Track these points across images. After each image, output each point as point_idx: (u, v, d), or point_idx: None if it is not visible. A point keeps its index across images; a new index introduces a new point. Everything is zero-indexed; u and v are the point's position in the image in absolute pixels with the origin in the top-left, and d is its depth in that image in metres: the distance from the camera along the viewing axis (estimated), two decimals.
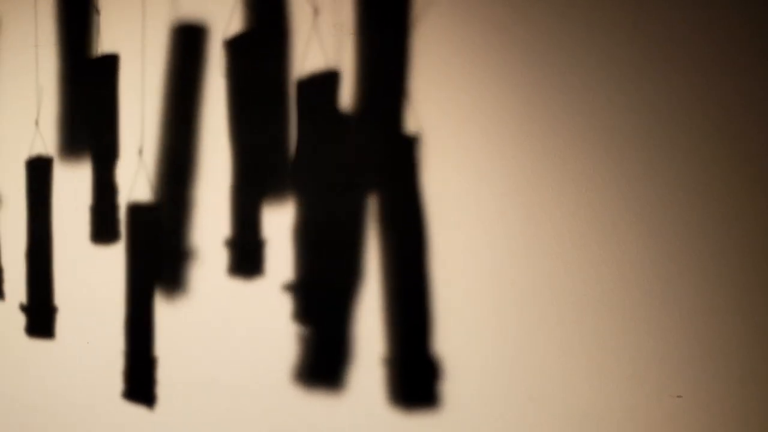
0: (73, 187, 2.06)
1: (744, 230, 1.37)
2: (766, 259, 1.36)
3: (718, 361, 1.39)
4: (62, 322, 2.12)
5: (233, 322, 1.85)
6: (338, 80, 1.68)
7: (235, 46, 1.81)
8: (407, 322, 1.63)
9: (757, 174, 1.36)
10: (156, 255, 1.94)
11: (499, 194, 1.55)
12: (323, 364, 1.72)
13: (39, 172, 2.13)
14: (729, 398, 1.39)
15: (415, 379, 1.62)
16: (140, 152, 1.93)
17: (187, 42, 1.88)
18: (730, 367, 1.39)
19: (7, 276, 2.22)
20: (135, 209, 1.96)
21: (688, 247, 1.41)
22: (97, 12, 2.01)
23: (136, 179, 1.94)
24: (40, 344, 2.16)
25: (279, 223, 1.76)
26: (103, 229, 2.04)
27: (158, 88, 1.91)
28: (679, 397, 1.42)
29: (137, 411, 1.97)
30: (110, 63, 2.00)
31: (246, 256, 1.82)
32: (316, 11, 1.70)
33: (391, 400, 1.64)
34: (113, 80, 1.99)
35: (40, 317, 2.15)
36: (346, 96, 1.67)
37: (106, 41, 2.01)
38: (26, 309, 2.18)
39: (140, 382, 1.97)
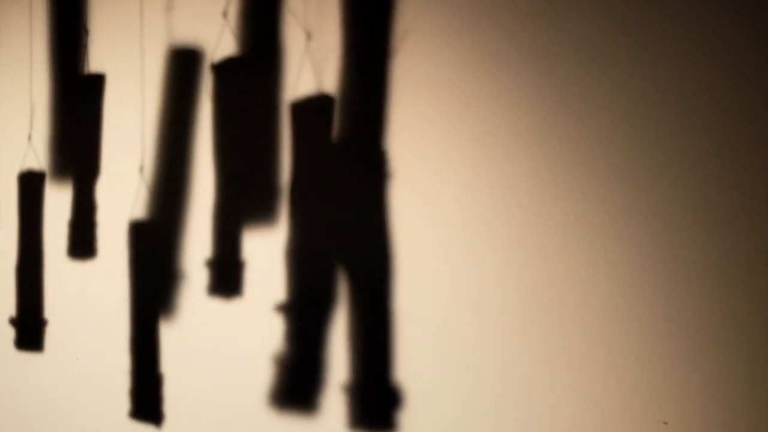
0: (63, 201, 2.06)
1: (733, 256, 1.36)
2: (753, 286, 1.35)
3: (704, 386, 1.39)
4: (51, 335, 2.14)
5: (217, 341, 1.86)
6: (332, 104, 1.68)
7: (222, 70, 1.81)
8: (370, 351, 1.64)
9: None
10: (156, 272, 1.94)
11: (465, 231, 1.55)
12: (298, 387, 1.74)
13: (30, 187, 2.14)
14: (715, 424, 1.38)
15: (374, 406, 1.65)
16: (141, 170, 1.94)
17: (182, 63, 1.89)
18: (716, 392, 1.38)
19: None
20: (136, 226, 1.95)
21: (672, 272, 1.40)
22: (86, 32, 2.01)
23: (137, 196, 1.95)
24: (29, 357, 2.17)
25: (260, 245, 1.77)
26: (79, 245, 2.06)
27: (155, 108, 1.93)
28: (665, 423, 1.41)
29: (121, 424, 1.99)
30: (96, 82, 2.02)
31: (225, 277, 1.83)
32: (308, 35, 1.70)
33: (351, 426, 1.66)
34: (99, 100, 2.02)
35: (29, 331, 2.16)
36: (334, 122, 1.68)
37: (101, 60, 2.02)
38: (15, 322, 2.19)
39: (145, 401, 1.97)
